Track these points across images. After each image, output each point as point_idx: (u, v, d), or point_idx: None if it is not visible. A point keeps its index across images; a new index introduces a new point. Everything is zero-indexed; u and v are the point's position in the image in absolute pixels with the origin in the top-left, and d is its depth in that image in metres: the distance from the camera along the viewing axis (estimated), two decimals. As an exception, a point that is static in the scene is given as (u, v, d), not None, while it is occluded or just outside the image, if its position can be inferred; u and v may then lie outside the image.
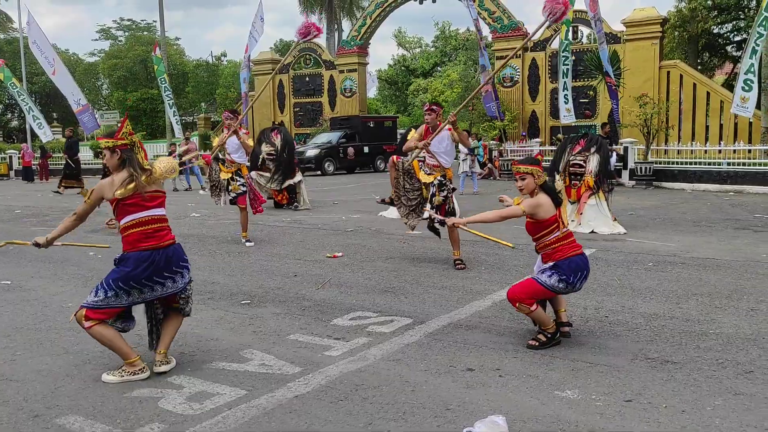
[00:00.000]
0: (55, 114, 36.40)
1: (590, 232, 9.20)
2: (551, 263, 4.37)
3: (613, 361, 4.07)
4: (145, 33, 44.18)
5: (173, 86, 29.93)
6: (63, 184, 17.81)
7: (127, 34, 45.34)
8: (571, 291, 4.46)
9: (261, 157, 13.12)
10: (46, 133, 21.36)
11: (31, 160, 25.74)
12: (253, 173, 12.90)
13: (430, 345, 4.45)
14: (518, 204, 4.52)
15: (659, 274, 6.59)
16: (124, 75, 39.01)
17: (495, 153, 22.08)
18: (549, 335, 4.35)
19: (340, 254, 7.87)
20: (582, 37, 23.87)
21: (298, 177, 13.35)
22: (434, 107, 7.00)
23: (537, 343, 4.33)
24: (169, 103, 25.39)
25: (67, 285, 6.55)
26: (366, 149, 26.08)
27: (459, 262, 7.02)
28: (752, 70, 14.11)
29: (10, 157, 28.00)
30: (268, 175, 12.92)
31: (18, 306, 5.71)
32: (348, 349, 4.36)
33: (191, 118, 40.02)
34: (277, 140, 13.20)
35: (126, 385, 3.79)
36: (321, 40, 36.27)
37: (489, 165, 21.57)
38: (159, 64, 24.79)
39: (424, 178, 7.00)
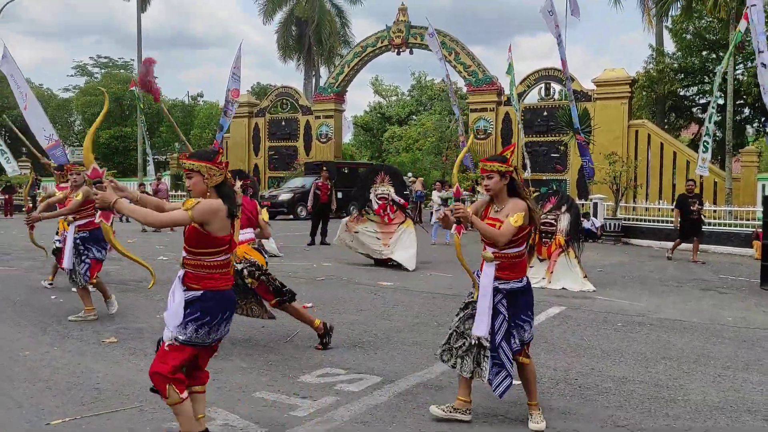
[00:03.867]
0: (24, 148, 35.85)
1: (560, 289, 9.27)
2: (199, 291, 3.43)
3: (583, 428, 4.03)
4: (122, 71, 44.11)
5: (147, 125, 29.80)
6: None
7: (103, 71, 45.24)
8: (204, 343, 3.44)
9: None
10: (13, 168, 20.97)
11: None
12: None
13: (399, 406, 4.37)
14: (189, 206, 3.38)
15: (628, 335, 6.62)
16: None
17: (468, 203, 22.33)
18: None
19: (310, 305, 7.75)
20: (554, 93, 24.51)
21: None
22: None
23: None
24: (147, 142, 25.41)
25: (24, 330, 6.32)
26: (339, 194, 26.14)
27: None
28: (708, 132, 14.81)
29: None
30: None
31: (-29, 352, 5.48)
32: (315, 409, 4.25)
33: (164, 157, 39.80)
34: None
35: (81, 444, 3.62)
36: (299, 85, 36.69)
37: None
38: (138, 101, 24.76)
39: None
